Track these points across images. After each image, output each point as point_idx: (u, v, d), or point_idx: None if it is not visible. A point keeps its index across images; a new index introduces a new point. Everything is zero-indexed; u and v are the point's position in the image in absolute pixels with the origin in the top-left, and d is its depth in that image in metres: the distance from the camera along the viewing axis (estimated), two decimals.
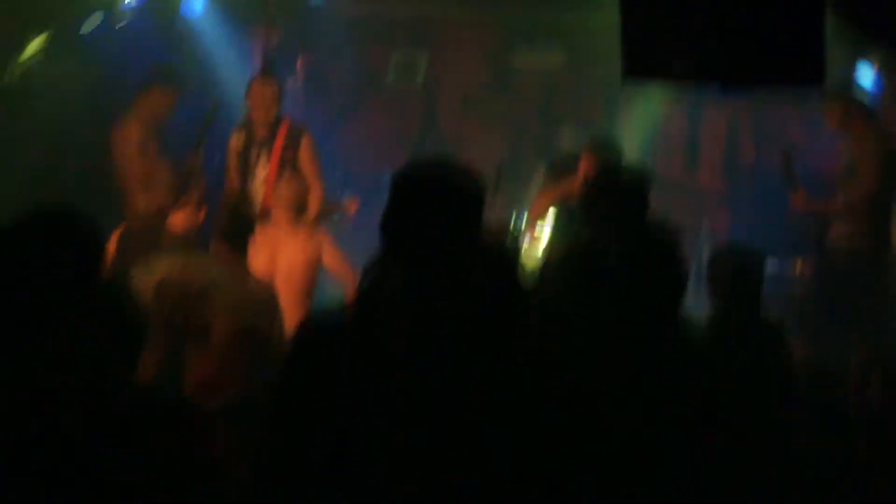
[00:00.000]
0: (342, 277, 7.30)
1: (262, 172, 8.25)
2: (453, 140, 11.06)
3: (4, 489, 2.40)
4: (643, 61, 5.70)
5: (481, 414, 2.94)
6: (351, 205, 8.50)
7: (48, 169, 7.92)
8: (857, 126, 8.15)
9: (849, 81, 8.71)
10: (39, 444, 2.43)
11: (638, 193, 5.45)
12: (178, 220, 7.83)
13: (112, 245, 6.83)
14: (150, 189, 7.94)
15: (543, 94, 11.54)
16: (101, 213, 3.82)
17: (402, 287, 3.02)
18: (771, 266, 8.46)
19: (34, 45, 8.65)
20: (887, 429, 4.82)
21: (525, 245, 8.66)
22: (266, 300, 5.87)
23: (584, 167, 8.06)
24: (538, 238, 8.58)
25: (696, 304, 4.84)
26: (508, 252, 3.48)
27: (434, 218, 3.05)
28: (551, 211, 8.38)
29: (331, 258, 7.35)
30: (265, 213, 7.67)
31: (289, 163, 8.02)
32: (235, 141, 8.41)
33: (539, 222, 8.48)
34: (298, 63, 11.16)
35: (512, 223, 8.90)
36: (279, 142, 8.08)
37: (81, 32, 8.98)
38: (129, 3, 9.15)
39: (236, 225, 6.04)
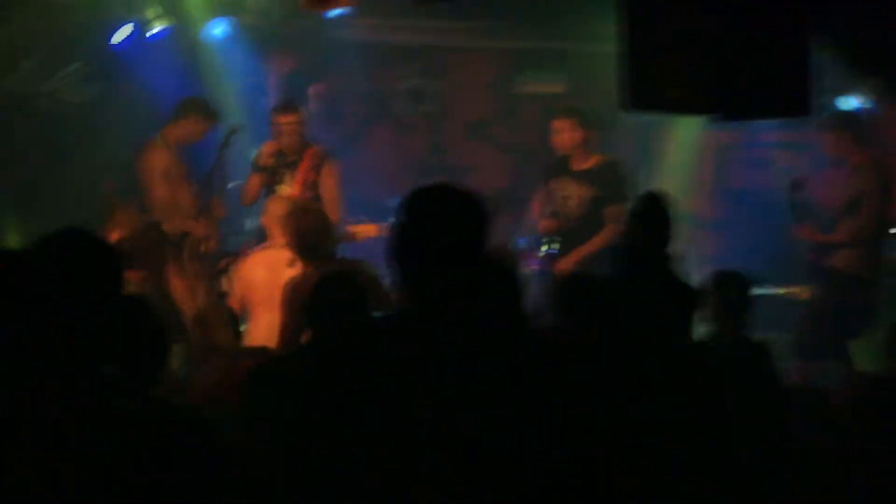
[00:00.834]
0: None
1: (285, 190, 8.33)
2: (460, 164, 11.07)
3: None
4: (641, 91, 5.73)
5: (484, 420, 2.93)
6: (370, 230, 8.47)
7: (82, 184, 7.88)
8: (854, 155, 8.13)
9: (845, 111, 8.70)
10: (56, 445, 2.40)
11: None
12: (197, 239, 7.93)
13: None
14: (175, 211, 8.00)
15: (546, 119, 11.56)
16: None
17: (411, 308, 3.04)
18: (761, 290, 8.52)
19: (67, 67, 8.69)
20: (878, 452, 4.80)
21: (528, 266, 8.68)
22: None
23: (555, 130, 8.39)
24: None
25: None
26: (512, 272, 3.51)
27: (439, 241, 3.06)
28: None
29: None
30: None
31: (311, 185, 8.09)
32: (265, 160, 8.48)
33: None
34: (312, 89, 11.20)
35: (516, 243, 8.92)
36: (304, 165, 8.15)
37: (113, 42, 9.03)
38: (154, 31, 9.20)
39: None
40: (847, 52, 6.26)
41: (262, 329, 6.53)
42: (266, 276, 6.81)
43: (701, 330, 5.31)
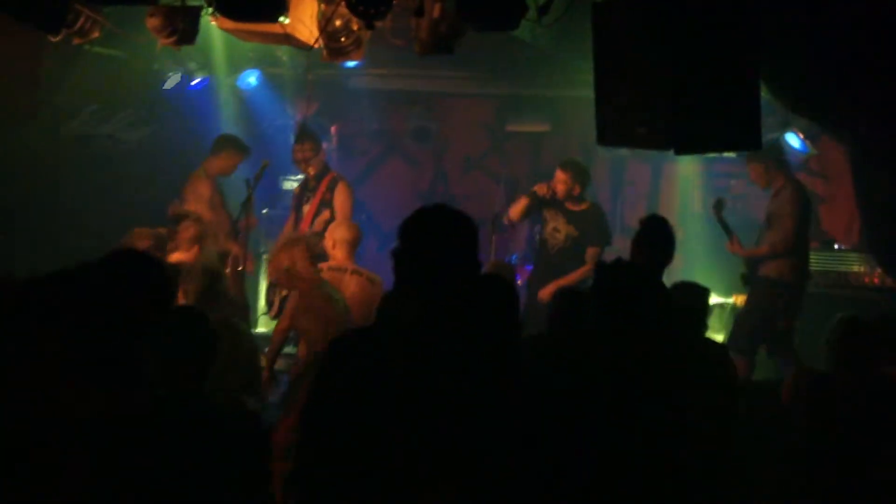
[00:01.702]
0: None
1: (306, 209, 8.50)
2: (460, 192, 11.10)
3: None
4: (612, 129, 5.76)
5: (482, 416, 2.91)
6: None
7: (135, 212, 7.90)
8: (776, 180, 8.15)
9: (776, 144, 8.71)
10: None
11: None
12: (236, 257, 7.97)
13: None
14: (217, 236, 8.04)
15: (532, 154, 11.60)
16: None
17: (415, 312, 3.03)
18: (712, 299, 8.53)
19: (123, 111, 8.74)
20: (815, 433, 4.80)
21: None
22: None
23: (555, 177, 8.32)
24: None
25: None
26: (504, 282, 3.50)
27: (435, 253, 3.07)
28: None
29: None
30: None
31: (327, 204, 8.19)
32: (297, 188, 8.80)
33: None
34: (332, 129, 11.24)
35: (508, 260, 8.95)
36: (322, 188, 8.26)
37: (164, 88, 9.09)
38: (197, 80, 9.25)
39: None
40: (783, 96, 6.28)
41: (318, 342, 6.11)
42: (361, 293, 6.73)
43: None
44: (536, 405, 3.04)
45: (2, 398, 2.23)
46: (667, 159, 10.78)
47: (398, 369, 2.93)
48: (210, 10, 6.42)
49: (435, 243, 3.08)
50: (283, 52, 9.05)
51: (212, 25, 7.22)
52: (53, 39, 6.58)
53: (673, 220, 10.98)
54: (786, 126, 8.81)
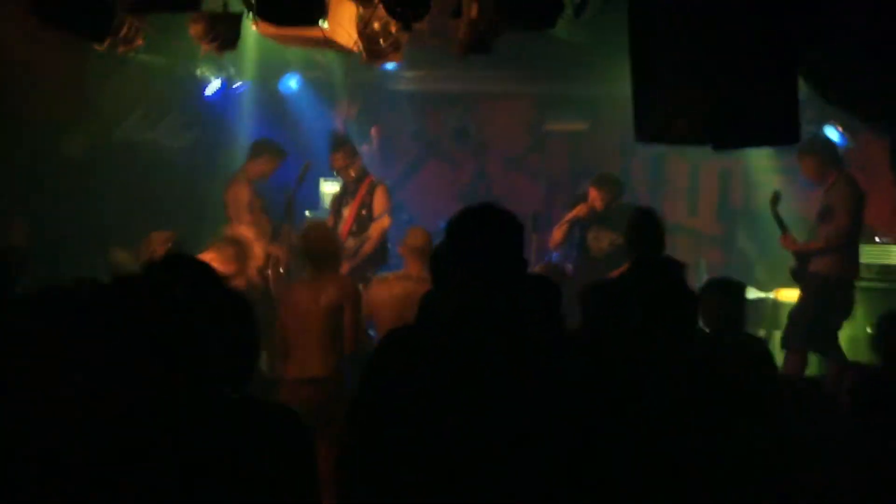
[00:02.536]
0: None
1: (346, 212, 8.59)
2: (500, 192, 11.09)
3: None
4: (650, 126, 5.73)
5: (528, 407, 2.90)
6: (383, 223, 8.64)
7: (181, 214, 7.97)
8: (829, 174, 8.10)
9: (826, 138, 8.65)
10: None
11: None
12: (277, 259, 8.01)
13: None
14: (260, 236, 8.10)
15: (571, 152, 11.57)
16: None
17: (465, 311, 3.01)
18: (753, 294, 8.48)
19: (166, 117, 8.82)
20: (859, 427, 4.75)
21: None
22: None
23: (591, 196, 8.52)
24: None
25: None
26: (551, 283, 3.49)
27: (484, 251, 3.05)
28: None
29: None
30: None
31: (366, 207, 8.26)
32: (337, 192, 8.93)
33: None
34: (372, 132, 11.27)
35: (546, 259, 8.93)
36: (361, 191, 8.31)
37: (206, 93, 9.15)
38: (238, 85, 9.30)
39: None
40: (822, 89, 6.22)
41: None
42: (395, 300, 6.62)
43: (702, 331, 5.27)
44: (586, 405, 3.02)
45: (82, 398, 2.26)
46: (706, 155, 10.71)
47: (450, 368, 2.91)
48: (251, 15, 6.47)
49: (483, 242, 3.06)
50: (322, 55, 9.08)
51: (253, 31, 7.26)
52: (98, 48, 6.65)
53: (712, 217, 11.18)
54: (824, 119, 8.75)
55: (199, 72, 8.91)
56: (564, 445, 2.89)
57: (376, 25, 6.75)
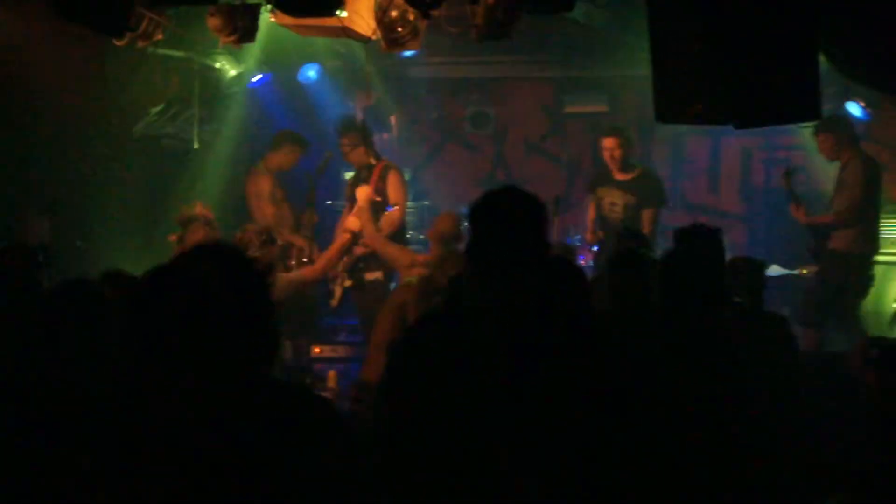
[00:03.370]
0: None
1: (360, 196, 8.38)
2: (520, 175, 11.08)
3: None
4: (670, 106, 5.72)
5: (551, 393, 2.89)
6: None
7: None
8: (845, 152, 8.06)
9: (845, 117, 8.60)
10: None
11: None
12: (300, 248, 8.03)
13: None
14: (279, 228, 8.11)
15: (591, 134, 11.54)
16: None
17: (485, 293, 3.00)
18: (777, 271, 8.45)
19: (187, 111, 8.83)
20: (884, 405, 4.73)
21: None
22: None
23: (605, 146, 8.53)
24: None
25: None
26: (573, 264, 3.48)
27: (508, 235, 3.04)
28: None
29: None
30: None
31: (379, 192, 8.13)
32: (351, 178, 8.76)
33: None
34: (392, 119, 11.27)
35: (568, 241, 8.92)
36: (374, 177, 8.19)
37: (226, 85, 9.15)
38: (258, 77, 9.30)
39: None
40: (843, 65, 6.18)
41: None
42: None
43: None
44: (621, 386, 3.01)
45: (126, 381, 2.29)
46: (726, 134, 10.67)
47: (485, 353, 2.84)
48: (269, 6, 6.47)
49: (507, 225, 3.04)
50: (341, 44, 9.07)
51: (271, 22, 7.26)
52: (118, 43, 6.67)
53: (734, 194, 11.14)
54: (845, 96, 8.69)
55: (217, 64, 8.92)
56: (608, 420, 2.90)
57: (394, 13, 6.74)
